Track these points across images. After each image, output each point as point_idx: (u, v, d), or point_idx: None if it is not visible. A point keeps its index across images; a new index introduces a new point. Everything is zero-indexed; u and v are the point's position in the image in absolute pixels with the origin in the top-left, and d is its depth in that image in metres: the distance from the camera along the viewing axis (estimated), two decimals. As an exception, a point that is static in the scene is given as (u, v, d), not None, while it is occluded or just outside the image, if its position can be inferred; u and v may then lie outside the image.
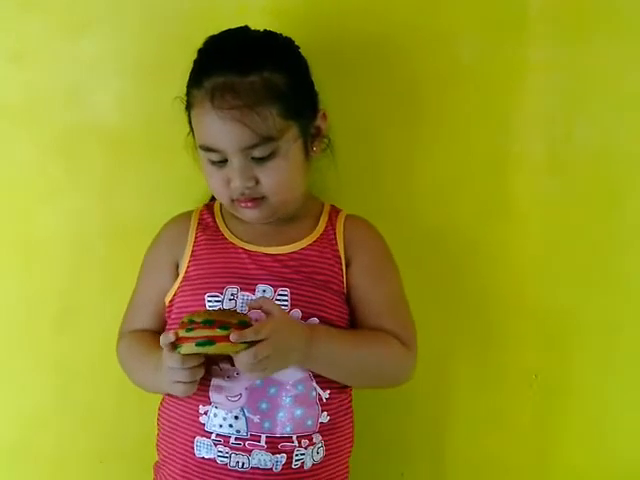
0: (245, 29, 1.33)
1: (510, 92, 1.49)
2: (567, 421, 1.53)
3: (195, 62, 1.33)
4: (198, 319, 1.19)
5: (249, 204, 1.31)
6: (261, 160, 1.28)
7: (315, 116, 1.35)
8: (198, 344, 1.17)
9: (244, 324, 1.20)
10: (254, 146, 1.26)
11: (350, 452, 1.36)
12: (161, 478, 1.34)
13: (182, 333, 1.19)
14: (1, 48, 1.49)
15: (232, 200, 1.32)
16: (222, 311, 1.26)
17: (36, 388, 1.54)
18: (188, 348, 1.18)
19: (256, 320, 1.23)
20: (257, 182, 1.29)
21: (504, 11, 1.48)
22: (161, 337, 1.22)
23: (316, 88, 1.36)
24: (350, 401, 1.36)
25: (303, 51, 1.35)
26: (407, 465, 1.55)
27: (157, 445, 1.36)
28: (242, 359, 1.19)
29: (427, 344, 1.42)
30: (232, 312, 1.24)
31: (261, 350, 1.18)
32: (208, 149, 1.29)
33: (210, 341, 1.17)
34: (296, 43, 1.35)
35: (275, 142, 1.27)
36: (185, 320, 1.21)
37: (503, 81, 1.49)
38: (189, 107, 1.32)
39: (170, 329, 1.33)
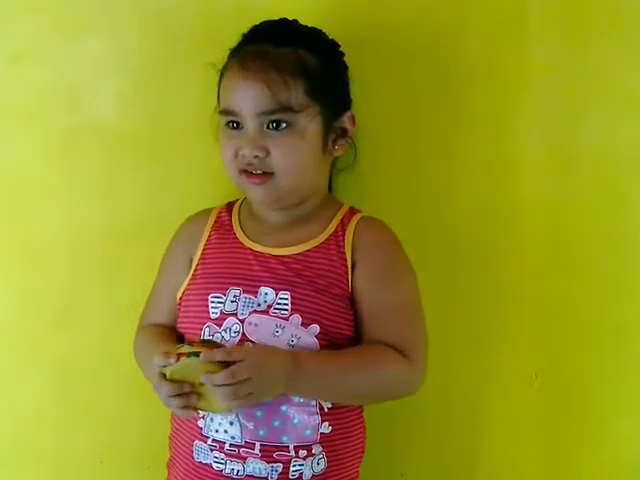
0: (295, 20, 1.35)
1: (512, 92, 1.49)
2: (568, 421, 1.53)
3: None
4: (183, 349, 1.19)
5: (256, 180, 1.28)
6: (276, 131, 1.26)
7: (342, 113, 1.34)
8: (188, 356, 1.16)
9: None
10: (271, 112, 1.25)
11: (360, 462, 1.33)
12: (171, 476, 1.35)
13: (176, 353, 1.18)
14: (1, 48, 1.49)
15: (240, 173, 1.29)
16: (209, 341, 1.25)
17: (36, 388, 1.54)
18: (172, 367, 1.17)
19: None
20: (267, 154, 1.27)
21: (506, 11, 1.48)
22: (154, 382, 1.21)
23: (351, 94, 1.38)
24: (360, 412, 1.33)
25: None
26: (407, 465, 1.54)
27: (169, 442, 1.36)
28: (219, 379, 1.14)
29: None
30: (218, 343, 1.23)
31: (239, 371, 1.14)
32: (226, 112, 1.29)
33: (196, 353, 1.16)
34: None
35: (293, 115, 1.26)
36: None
37: (505, 81, 1.48)
38: (221, 77, 1.32)
39: (180, 325, 1.34)
